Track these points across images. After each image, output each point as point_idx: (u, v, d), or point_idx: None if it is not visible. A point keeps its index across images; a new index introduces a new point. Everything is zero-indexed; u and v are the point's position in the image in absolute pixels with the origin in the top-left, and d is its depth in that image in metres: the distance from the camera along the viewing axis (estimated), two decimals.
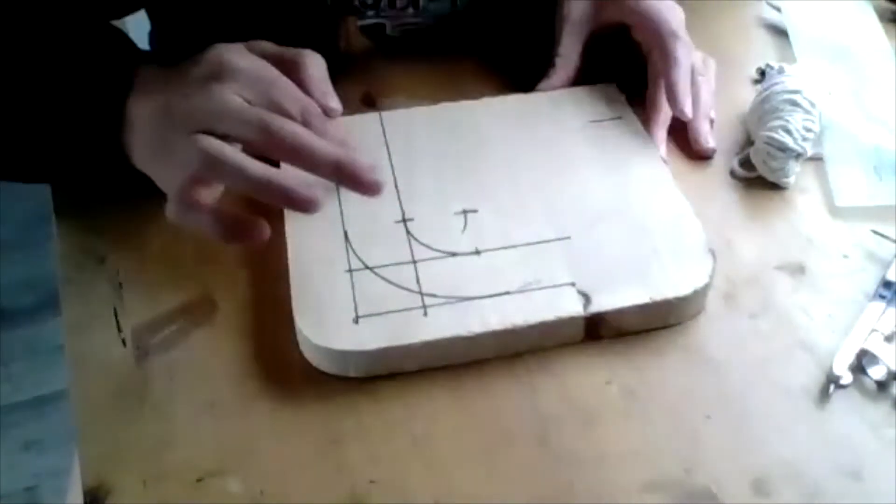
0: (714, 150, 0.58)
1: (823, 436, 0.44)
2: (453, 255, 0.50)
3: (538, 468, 0.42)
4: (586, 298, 0.47)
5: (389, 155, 0.56)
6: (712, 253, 0.50)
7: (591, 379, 0.46)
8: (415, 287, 0.48)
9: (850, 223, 0.55)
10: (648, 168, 0.55)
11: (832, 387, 0.46)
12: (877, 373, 0.46)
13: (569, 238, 0.50)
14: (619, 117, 0.58)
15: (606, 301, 0.47)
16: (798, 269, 0.52)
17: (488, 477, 0.42)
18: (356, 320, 0.46)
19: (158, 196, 0.48)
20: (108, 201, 0.55)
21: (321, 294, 0.48)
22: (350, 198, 0.51)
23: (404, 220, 0.52)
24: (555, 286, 0.48)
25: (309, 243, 0.50)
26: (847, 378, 0.46)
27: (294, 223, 0.51)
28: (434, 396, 0.45)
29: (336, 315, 0.46)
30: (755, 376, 0.46)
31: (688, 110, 0.57)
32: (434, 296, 0.47)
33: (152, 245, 0.53)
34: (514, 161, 0.56)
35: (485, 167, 0.55)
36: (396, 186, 0.54)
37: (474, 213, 0.52)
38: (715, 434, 0.44)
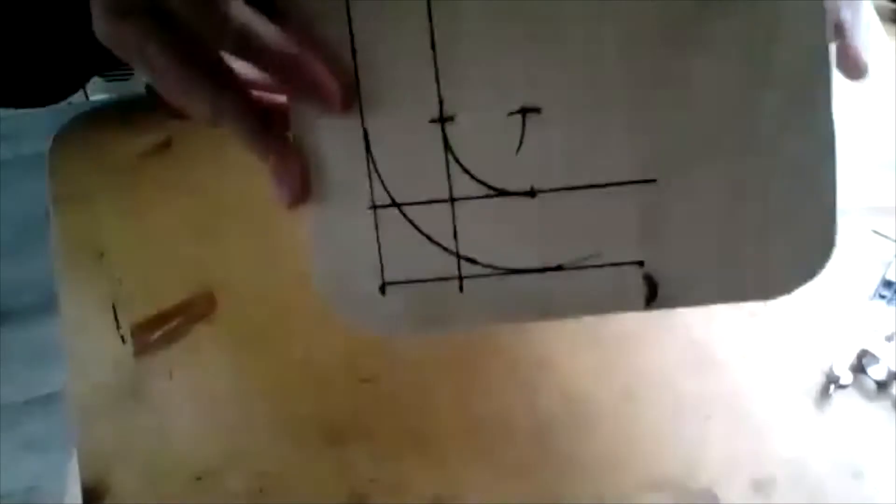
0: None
1: (823, 436, 0.44)
2: (502, 194, 0.39)
3: (538, 468, 0.42)
4: (652, 289, 0.39)
5: (430, 4, 0.38)
6: (833, 239, 0.38)
7: (591, 379, 0.46)
8: (451, 243, 0.39)
9: (850, 223, 0.55)
10: (802, 77, 0.37)
11: (832, 387, 0.46)
12: (877, 373, 0.46)
13: (654, 182, 0.38)
14: None
15: (676, 294, 0.39)
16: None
17: (488, 476, 0.42)
18: (383, 289, 0.39)
19: (158, 192, 0.48)
20: (106, 197, 0.55)
21: (340, 241, 0.39)
22: (366, 69, 0.38)
23: (442, 120, 0.38)
24: (617, 265, 0.38)
25: (321, 148, 0.38)
26: (847, 378, 0.46)
27: (301, 118, 0.38)
28: (434, 396, 0.45)
29: (359, 277, 0.39)
30: (755, 376, 0.46)
31: None
32: (474, 261, 0.39)
33: (151, 241, 0.53)
34: (607, 36, 0.38)
35: (563, 42, 0.38)
36: (435, 58, 0.38)
37: (536, 113, 0.38)
38: (715, 434, 0.44)
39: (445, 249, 0.39)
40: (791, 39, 0.36)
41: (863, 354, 0.47)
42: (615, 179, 0.38)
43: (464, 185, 0.39)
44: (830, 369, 0.46)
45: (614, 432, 0.44)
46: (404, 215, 0.39)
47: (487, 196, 0.39)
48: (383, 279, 0.39)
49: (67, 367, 0.47)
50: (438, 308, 0.40)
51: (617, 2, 0.37)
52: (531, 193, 0.39)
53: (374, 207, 0.39)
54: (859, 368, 0.46)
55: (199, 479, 0.42)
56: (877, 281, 0.51)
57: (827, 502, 0.41)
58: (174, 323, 0.49)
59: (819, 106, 0.37)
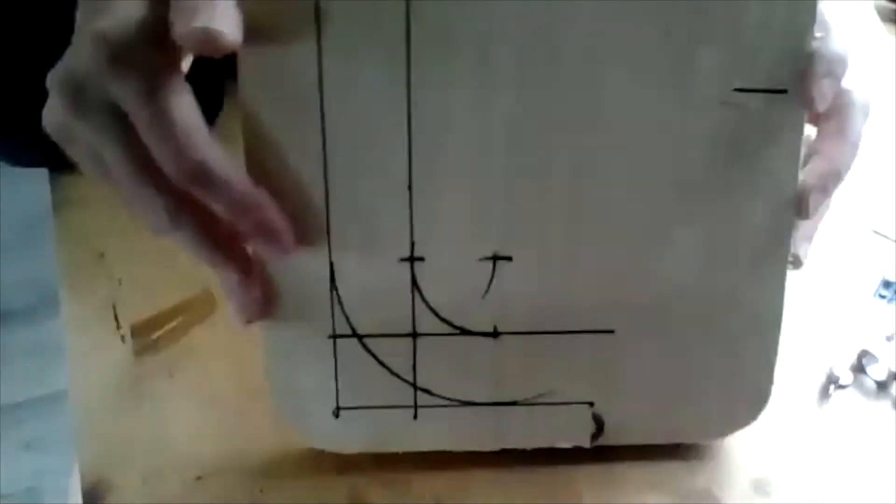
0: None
1: (823, 436, 0.44)
2: (464, 333, 0.39)
3: (538, 468, 0.42)
4: (599, 427, 0.41)
5: (409, 109, 0.35)
6: (769, 392, 0.41)
7: None
8: (409, 374, 0.39)
9: (850, 223, 0.55)
10: (760, 258, 0.39)
11: (832, 387, 0.46)
12: (877, 373, 0.46)
13: (612, 333, 0.39)
14: (784, 90, 0.36)
15: (620, 434, 0.41)
16: (798, 269, 0.52)
17: (489, 476, 0.42)
18: (336, 413, 0.40)
19: None
20: (106, 197, 0.55)
21: (296, 364, 0.40)
22: (338, 202, 0.36)
23: (412, 260, 0.37)
24: (568, 403, 0.40)
25: (285, 273, 0.37)
26: (847, 378, 0.46)
27: None
28: None
29: (315, 401, 0.40)
30: None
31: None
32: (430, 393, 0.40)
33: (151, 241, 0.53)
34: (587, 196, 0.37)
35: (542, 196, 0.37)
36: (411, 200, 0.36)
37: (507, 261, 0.38)
38: None
39: (403, 380, 0.39)
40: (756, 224, 0.38)
41: (863, 354, 0.47)
42: (575, 328, 0.39)
43: (427, 322, 0.38)
44: (830, 369, 0.46)
45: None
46: (364, 346, 0.39)
47: (450, 334, 0.39)
48: (338, 404, 0.40)
49: (67, 367, 0.47)
50: (391, 432, 0.41)
51: (603, 166, 0.36)
52: (493, 334, 0.39)
53: (335, 337, 0.38)
54: (859, 368, 0.46)
55: (199, 479, 0.42)
56: (877, 281, 0.51)
57: (827, 502, 0.41)
58: (174, 323, 0.48)
59: (773, 283, 0.39)
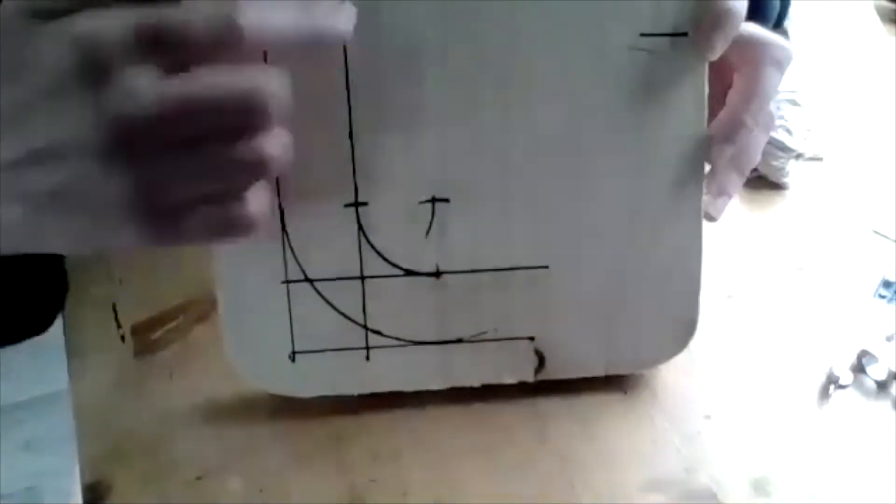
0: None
1: (823, 436, 0.44)
2: (409, 273, 0.41)
3: (538, 468, 0.42)
4: (540, 360, 0.43)
5: (348, 80, 0.38)
6: (695, 320, 0.44)
7: (592, 378, 0.46)
8: (359, 317, 0.42)
9: (850, 223, 0.55)
10: (677, 194, 0.41)
11: (832, 387, 0.46)
12: (877, 373, 0.46)
13: (546, 268, 0.42)
14: (685, 34, 0.38)
15: (560, 367, 0.44)
16: (798, 269, 0.52)
17: (488, 476, 0.42)
18: (293, 357, 0.42)
19: None
20: None
21: (253, 311, 0.41)
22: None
23: (356, 205, 0.40)
24: (511, 339, 0.43)
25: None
26: (847, 378, 0.46)
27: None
28: (434, 395, 0.45)
29: (271, 347, 0.42)
30: (755, 376, 0.46)
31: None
32: (380, 334, 0.42)
33: None
34: (517, 138, 0.40)
35: (475, 138, 0.39)
36: (353, 148, 0.39)
37: (445, 202, 0.40)
38: (715, 434, 0.44)
39: (354, 322, 0.42)
40: (671, 161, 0.40)
41: (863, 354, 0.47)
42: (512, 265, 0.41)
43: (374, 265, 0.41)
44: (830, 369, 0.46)
45: (614, 432, 0.44)
46: (316, 290, 0.41)
47: (396, 275, 0.41)
48: (293, 348, 0.42)
49: (67, 367, 0.47)
50: (346, 374, 0.43)
51: (528, 110, 0.39)
52: (436, 274, 0.41)
53: (288, 282, 0.41)
54: (859, 368, 0.46)
55: (199, 479, 0.42)
56: (877, 281, 0.51)
57: (827, 502, 0.41)
58: (174, 323, 0.49)
59: (690, 216, 0.41)
